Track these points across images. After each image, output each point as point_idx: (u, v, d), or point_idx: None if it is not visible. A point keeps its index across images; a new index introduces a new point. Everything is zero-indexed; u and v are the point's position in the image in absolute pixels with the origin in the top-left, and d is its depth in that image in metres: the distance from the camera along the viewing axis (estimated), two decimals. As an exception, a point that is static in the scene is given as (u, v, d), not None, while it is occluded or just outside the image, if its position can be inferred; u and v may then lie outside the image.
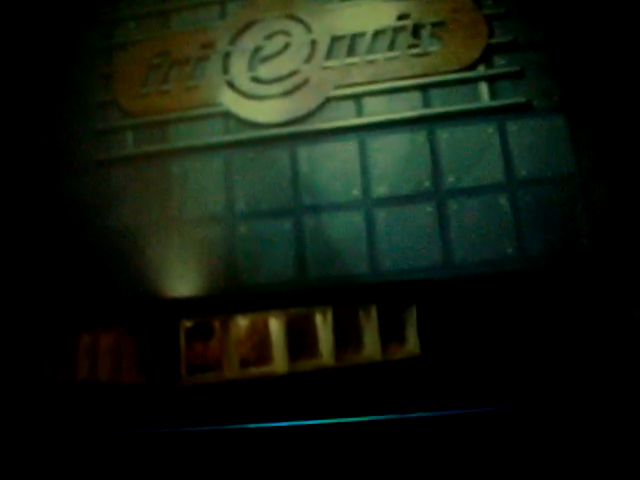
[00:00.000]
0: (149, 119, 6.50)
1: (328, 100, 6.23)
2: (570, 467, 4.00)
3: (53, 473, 4.46)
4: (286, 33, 6.46)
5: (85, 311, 5.62)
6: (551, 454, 4.11)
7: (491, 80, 6.05)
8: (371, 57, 6.22)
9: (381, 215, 5.88)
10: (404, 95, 6.13)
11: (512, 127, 5.91)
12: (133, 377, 5.42)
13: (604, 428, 4.26)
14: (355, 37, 6.30)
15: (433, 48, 6.15)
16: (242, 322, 5.52)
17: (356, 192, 5.96)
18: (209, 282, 5.84)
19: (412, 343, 5.44)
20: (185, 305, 5.62)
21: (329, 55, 6.31)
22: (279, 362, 5.41)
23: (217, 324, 5.49)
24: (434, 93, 6.10)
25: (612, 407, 4.40)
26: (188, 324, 5.41)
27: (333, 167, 6.06)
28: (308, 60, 6.33)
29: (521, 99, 5.92)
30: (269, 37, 6.50)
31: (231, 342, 5.42)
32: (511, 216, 5.72)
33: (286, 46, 6.41)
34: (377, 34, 6.26)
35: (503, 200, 5.75)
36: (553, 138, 5.83)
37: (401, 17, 6.29)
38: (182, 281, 5.84)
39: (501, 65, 6.09)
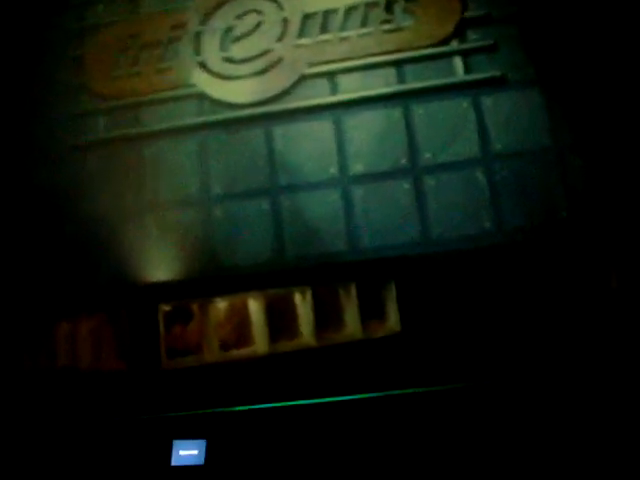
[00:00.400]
0: (121, 102, 6.42)
1: (302, 78, 6.18)
2: (546, 440, 4.02)
3: (36, 460, 4.44)
4: (258, 12, 6.39)
5: (63, 298, 5.57)
6: (527, 428, 4.13)
7: (465, 54, 6.03)
8: (344, 34, 6.17)
9: (358, 193, 5.86)
10: (378, 71, 6.10)
11: (487, 101, 5.89)
12: (113, 363, 5.40)
13: (583, 400, 4.28)
14: (327, 14, 6.24)
15: (406, 23, 6.12)
16: (221, 304, 5.50)
17: (333, 170, 5.93)
18: (187, 266, 5.79)
19: (392, 320, 5.44)
20: (163, 289, 5.59)
21: (302, 33, 6.25)
22: (259, 343, 5.40)
23: (196, 307, 5.47)
24: (408, 69, 6.07)
25: (591, 379, 4.43)
26: (166, 308, 5.39)
27: (309, 146, 6.02)
28: (281, 38, 6.27)
29: (496, 73, 5.91)
30: (240, 16, 6.43)
31: (210, 325, 5.41)
32: (488, 191, 5.71)
33: (258, 25, 6.35)
34: (349, 10, 6.21)
35: (480, 175, 5.75)
36: (529, 111, 5.82)
37: (373, -7, 6.21)
38: (159, 265, 5.80)
39: (475, 39, 6.07)
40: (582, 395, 4.34)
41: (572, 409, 4.25)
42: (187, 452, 4.03)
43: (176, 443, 4.04)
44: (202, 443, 4.03)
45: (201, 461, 4.01)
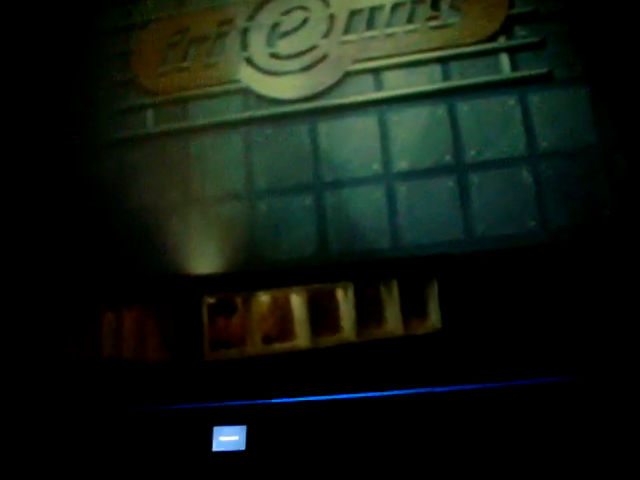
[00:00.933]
0: (169, 97, 6.52)
1: (347, 75, 6.19)
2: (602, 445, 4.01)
3: (78, 449, 4.56)
4: (304, 8, 6.43)
5: (109, 289, 5.69)
6: (578, 431, 4.12)
7: (512, 51, 5.98)
8: (390, 30, 6.17)
9: (402, 190, 5.87)
10: (424, 68, 6.09)
11: (534, 99, 5.85)
12: (157, 354, 5.50)
13: (628, 402, 4.26)
14: (374, 10, 6.25)
15: (452, 20, 6.09)
16: (264, 298, 5.57)
17: (376, 167, 5.95)
18: (230, 259, 5.87)
19: (434, 318, 5.45)
20: (207, 282, 5.68)
21: (347, 29, 6.27)
22: (301, 338, 5.46)
23: (239, 300, 5.55)
24: (454, 66, 6.05)
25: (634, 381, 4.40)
26: (210, 301, 5.47)
27: (353, 142, 6.04)
28: (326, 35, 6.29)
29: (542, 70, 5.85)
30: (287, 12, 6.47)
31: (253, 318, 5.48)
32: (533, 189, 5.67)
33: (304, 21, 6.39)
34: (396, 7, 6.20)
35: (525, 173, 5.71)
36: (575, 109, 5.76)
37: (420, -11, 6.21)
38: (204, 258, 5.89)
39: (522, 36, 6.01)
40: (628, 402, 4.32)
41: (615, 417, 4.23)
42: (228, 438, 4.11)
43: (217, 429, 4.12)
44: (243, 429, 4.09)
45: (242, 447, 4.08)
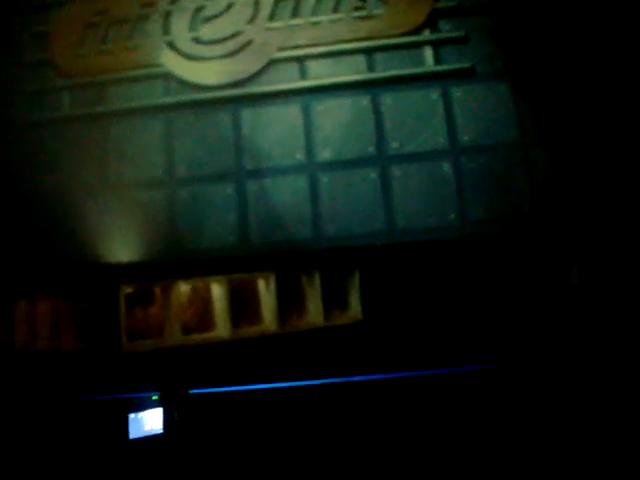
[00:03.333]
0: (87, 80, 6.35)
1: (271, 62, 6.17)
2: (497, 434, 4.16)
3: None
4: (229, -8, 6.36)
5: (22, 277, 5.54)
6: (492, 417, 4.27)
7: (436, 45, 6.08)
8: (315, 19, 6.17)
9: (324, 180, 5.90)
10: (348, 58, 6.12)
11: (456, 93, 5.96)
12: (72, 344, 5.40)
13: (539, 396, 4.43)
14: (299, -2, 6.23)
15: (378, 11, 6.13)
16: (184, 288, 5.54)
17: (299, 156, 5.97)
18: (149, 248, 5.79)
19: (355, 309, 5.52)
20: (125, 271, 5.60)
21: (273, 16, 6.23)
22: (221, 328, 5.45)
23: (158, 290, 5.50)
24: (378, 57, 6.10)
25: (548, 374, 4.57)
26: (128, 290, 5.41)
27: (276, 130, 6.03)
28: (251, 21, 6.24)
29: (465, 64, 5.97)
30: (212, -4, 6.39)
31: (172, 308, 5.44)
32: (454, 183, 5.79)
33: (229, 6, 6.30)
34: (322, -5, 6.21)
35: (446, 166, 5.82)
36: (496, 104, 5.90)
37: (346, -22, 6.23)
38: (122, 247, 5.79)
39: (446, 30, 6.12)
40: (539, 390, 4.49)
41: (528, 404, 4.39)
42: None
43: (132, 417, 4.08)
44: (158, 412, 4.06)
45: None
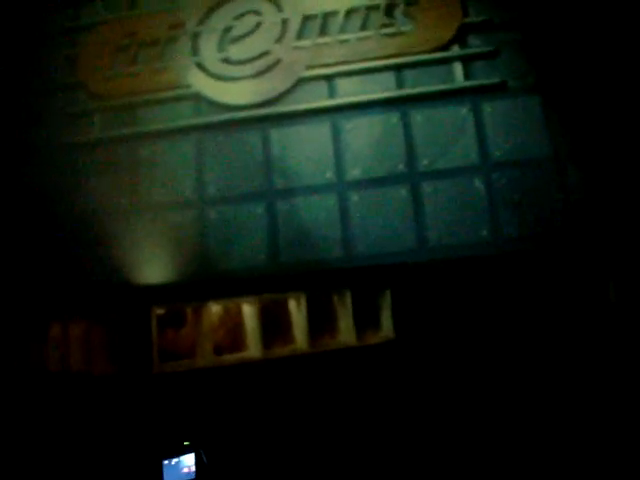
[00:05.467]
0: (117, 102, 6.46)
1: (300, 81, 6.24)
2: (538, 448, 4.13)
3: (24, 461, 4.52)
4: (256, 12, 6.44)
5: (56, 300, 5.60)
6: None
7: (465, 60, 6.10)
8: (343, 37, 6.23)
9: (355, 198, 5.92)
10: (377, 76, 6.16)
11: (487, 108, 5.96)
12: (105, 366, 5.44)
13: (579, 411, 4.39)
14: (327, 16, 6.31)
15: (406, 28, 6.17)
16: (215, 309, 5.56)
17: (329, 175, 6.00)
18: (180, 268, 5.84)
19: (387, 328, 5.50)
20: (156, 292, 5.63)
21: (301, 35, 6.31)
22: (253, 348, 5.46)
23: (189, 311, 5.52)
24: (407, 74, 6.13)
25: (588, 390, 4.53)
26: (160, 311, 5.44)
27: (306, 149, 6.08)
28: (279, 40, 6.32)
29: (496, 79, 5.97)
30: (239, 17, 6.48)
31: (204, 329, 5.46)
32: (485, 199, 5.78)
33: (257, 26, 6.40)
34: (349, 13, 6.27)
35: (478, 182, 5.81)
36: (528, 119, 5.89)
37: (373, -4, 6.27)
38: (153, 268, 5.85)
39: (475, 45, 6.13)
40: (579, 405, 4.45)
41: (568, 420, 4.36)
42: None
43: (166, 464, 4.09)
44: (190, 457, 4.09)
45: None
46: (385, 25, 6.19)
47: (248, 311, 5.51)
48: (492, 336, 5.05)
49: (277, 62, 6.25)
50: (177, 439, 4.08)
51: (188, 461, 4.01)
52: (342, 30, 6.23)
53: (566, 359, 4.84)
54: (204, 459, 3.96)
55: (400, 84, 6.10)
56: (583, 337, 4.93)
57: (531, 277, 5.25)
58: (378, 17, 6.21)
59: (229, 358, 5.44)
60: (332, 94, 6.19)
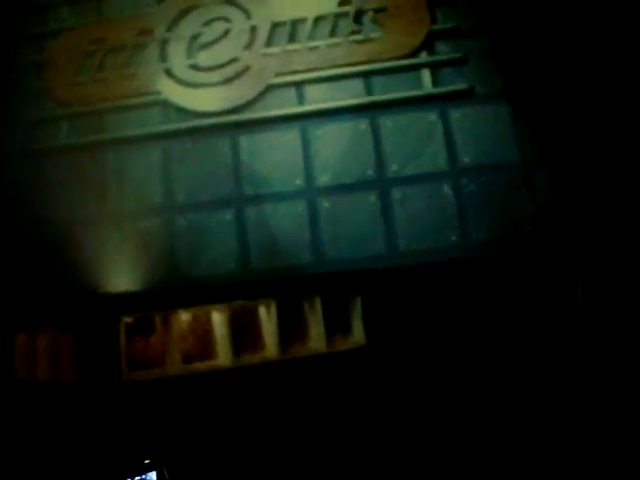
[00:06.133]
0: (84, 108, 6.41)
1: (269, 88, 6.24)
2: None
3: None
4: (225, 19, 6.45)
5: (22, 309, 5.55)
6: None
7: (433, 67, 6.15)
8: (313, 44, 6.25)
9: (324, 205, 5.93)
10: (346, 82, 6.19)
11: (455, 114, 6.01)
12: (73, 375, 5.40)
13: (548, 415, 4.44)
14: (296, 23, 6.32)
15: (375, 35, 6.21)
16: (184, 317, 5.54)
17: (299, 181, 6.00)
18: (149, 276, 5.81)
19: (358, 334, 5.51)
20: (124, 300, 5.60)
21: (269, 42, 6.32)
22: (223, 356, 5.45)
23: (158, 319, 5.50)
24: (376, 80, 6.17)
25: (556, 393, 4.58)
26: (128, 320, 5.41)
27: (275, 156, 6.07)
28: (248, 47, 6.32)
29: (464, 86, 6.03)
30: (208, 23, 6.47)
31: (173, 337, 5.44)
32: (454, 204, 5.82)
33: (225, 32, 6.39)
34: (318, 20, 6.30)
35: (446, 188, 5.85)
36: (496, 125, 5.94)
37: (342, 3, 6.32)
38: (121, 276, 5.82)
39: (444, 52, 6.19)
40: (548, 406, 4.50)
41: (537, 422, 4.40)
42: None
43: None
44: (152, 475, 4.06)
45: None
46: (354, 32, 6.22)
47: (218, 319, 5.50)
48: (462, 340, 5.09)
49: (246, 69, 6.25)
50: (143, 453, 4.06)
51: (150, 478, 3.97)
52: (311, 37, 6.26)
53: (536, 360, 4.89)
54: (166, 476, 3.93)
55: (369, 91, 6.14)
56: (551, 339, 4.98)
57: (500, 281, 5.30)
58: (347, 24, 6.24)
59: (199, 366, 5.42)
60: (301, 101, 6.20)
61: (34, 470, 4.57)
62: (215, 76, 6.30)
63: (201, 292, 5.66)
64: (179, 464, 4.22)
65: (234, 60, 6.31)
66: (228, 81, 6.28)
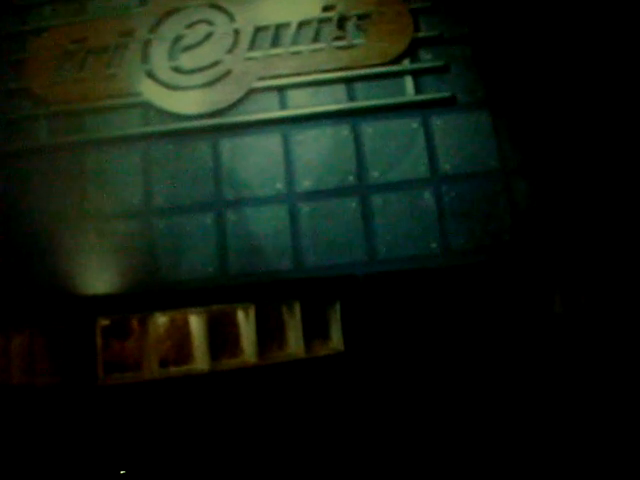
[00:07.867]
0: (64, 108, 6.39)
1: (251, 92, 6.26)
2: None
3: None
4: (208, 22, 6.46)
5: (-4, 310, 5.53)
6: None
7: (416, 74, 6.21)
8: (295, 49, 6.29)
9: (305, 210, 5.96)
10: (328, 88, 6.23)
11: (437, 122, 6.07)
12: (48, 378, 5.37)
13: (522, 426, 4.49)
14: (279, 28, 6.35)
15: (358, 41, 6.26)
16: (161, 320, 5.52)
17: (279, 186, 6.03)
18: (126, 279, 5.80)
19: (336, 340, 5.53)
20: (101, 303, 5.57)
21: (252, 46, 6.34)
22: (200, 361, 5.43)
23: (135, 322, 5.47)
24: (359, 86, 6.21)
25: (533, 404, 4.64)
26: (104, 322, 5.38)
27: (256, 160, 6.10)
28: (231, 50, 6.34)
29: (446, 93, 6.09)
30: (191, 26, 6.48)
31: (150, 341, 5.41)
32: (435, 212, 5.88)
33: (208, 35, 6.41)
34: (302, 25, 6.33)
35: (427, 195, 5.91)
36: (477, 133, 6.02)
37: (326, 8, 6.37)
38: (98, 278, 5.80)
39: (426, 59, 6.26)
40: (524, 416, 4.55)
41: (512, 435, 4.45)
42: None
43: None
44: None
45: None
46: (337, 38, 6.27)
47: (195, 322, 5.48)
48: (441, 347, 5.12)
49: (228, 72, 6.27)
50: (118, 460, 4.06)
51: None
52: (294, 42, 6.29)
53: (514, 369, 4.93)
54: None
55: (351, 96, 6.19)
56: (530, 348, 5.03)
57: (479, 289, 5.34)
58: (330, 30, 6.29)
59: (176, 370, 5.40)
60: (283, 105, 6.23)
61: (4, 476, 4.54)
62: (197, 79, 6.31)
63: (179, 295, 5.64)
64: (155, 471, 4.22)
65: (216, 63, 6.32)
66: (210, 84, 6.29)
